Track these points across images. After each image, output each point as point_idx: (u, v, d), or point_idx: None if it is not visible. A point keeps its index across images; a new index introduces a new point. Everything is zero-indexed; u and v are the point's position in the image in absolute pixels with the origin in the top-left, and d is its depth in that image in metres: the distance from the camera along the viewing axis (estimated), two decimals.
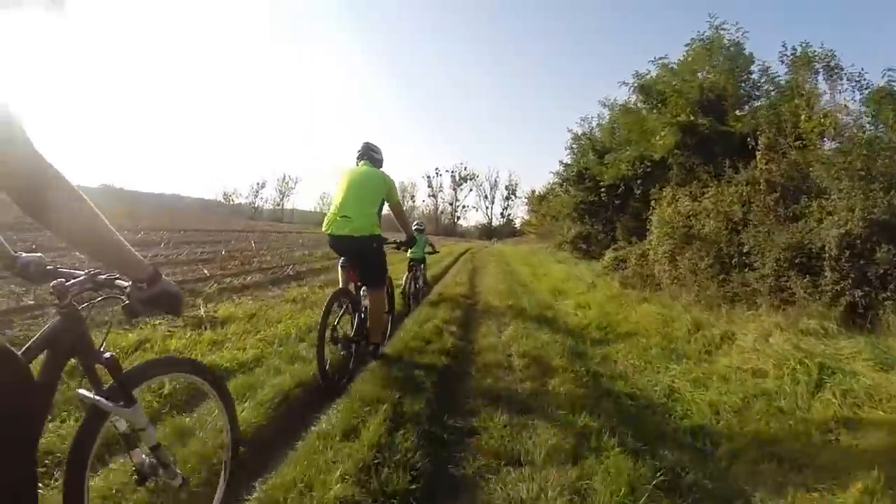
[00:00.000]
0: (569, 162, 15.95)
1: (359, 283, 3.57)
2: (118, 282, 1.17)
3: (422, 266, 7.09)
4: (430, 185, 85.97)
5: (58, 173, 0.87)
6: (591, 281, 8.68)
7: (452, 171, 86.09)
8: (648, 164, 9.29)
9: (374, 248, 3.38)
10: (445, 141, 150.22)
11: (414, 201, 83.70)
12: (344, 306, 3.35)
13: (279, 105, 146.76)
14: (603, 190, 11.43)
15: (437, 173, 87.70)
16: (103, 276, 1.20)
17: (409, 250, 5.48)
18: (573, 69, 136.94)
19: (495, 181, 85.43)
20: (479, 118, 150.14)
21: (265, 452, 2.20)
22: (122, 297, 1.12)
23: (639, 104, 10.27)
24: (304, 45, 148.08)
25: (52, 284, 1.14)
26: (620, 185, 10.29)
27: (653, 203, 9.32)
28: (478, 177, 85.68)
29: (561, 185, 15.63)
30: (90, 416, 1.26)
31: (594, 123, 15.91)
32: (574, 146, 15.96)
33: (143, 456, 1.37)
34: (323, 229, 3.44)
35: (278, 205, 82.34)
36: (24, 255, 1.25)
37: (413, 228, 5.13)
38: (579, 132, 15.59)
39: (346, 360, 3.36)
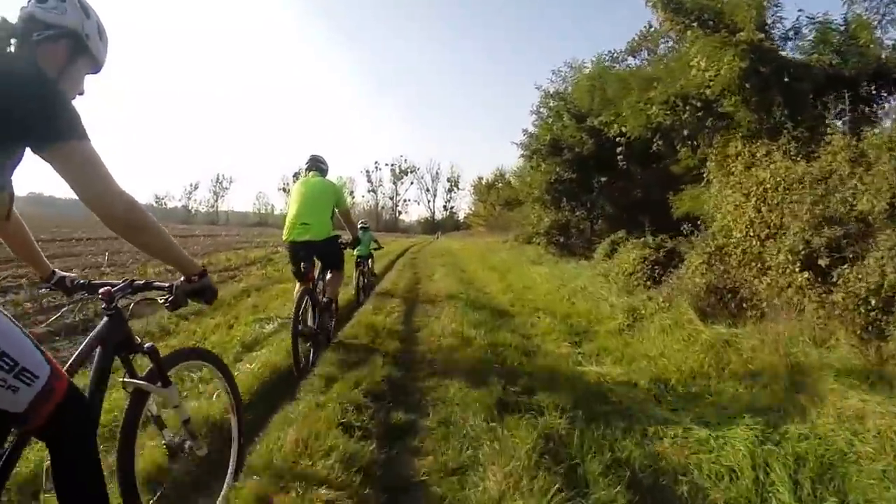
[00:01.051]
0: (535, 130, 12.36)
1: (317, 281, 3.89)
2: (156, 284, 1.44)
3: (368, 262, 7.37)
4: (369, 180, 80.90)
5: (140, 207, 1.14)
6: (628, 306, 4.95)
7: (392, 165, 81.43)
8: (698, 104, 5.71)
9: (332, 246, 3.84)
10: (383, 132, 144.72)
11: (353, 197, 78.18)
12: (306, 303, 3.59)
13: (209, 100, 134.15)
14: (619, 150, 7.72)
15: (376, 167, 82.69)
16: (140, 282, 1.47)
17: (356, 249, 5.60)
18: (514, 55, 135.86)
19: (437, 173, 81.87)
20: (418, 106, 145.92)
21: None
22: (159, 297, 1.40)
23: (664, 23, 6.70)
24: (235, 32, 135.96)
25: (100, 291, 1.37)
26: (655, 140, 6.60)
27: (710, 166, 5.86)
28: (418, 169, 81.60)
29: (530, 159, 11.89)
30: (135, 397, 1.45)
31: (568, 82, 12.43)
32: (543, 109, 12.40)
33: (171, 435, 1.57)
34: (283, 238, 3.77)
35: (212, 207, 78.20)
36: (59, 271, 1.53)
37: (358, 227, 5.61)
38: (551, 90, 12.02)
39: (309, 350, 3.65)
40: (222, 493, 1.77)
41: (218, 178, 78.54)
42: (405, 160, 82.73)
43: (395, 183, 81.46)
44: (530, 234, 13.20)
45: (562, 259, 10.73)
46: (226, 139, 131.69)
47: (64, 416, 1.06)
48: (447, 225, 72.18)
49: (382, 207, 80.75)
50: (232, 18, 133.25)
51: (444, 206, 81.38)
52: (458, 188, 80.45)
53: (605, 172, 11.40)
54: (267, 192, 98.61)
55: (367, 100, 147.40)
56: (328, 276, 3.97)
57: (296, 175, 73.78)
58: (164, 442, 1.56)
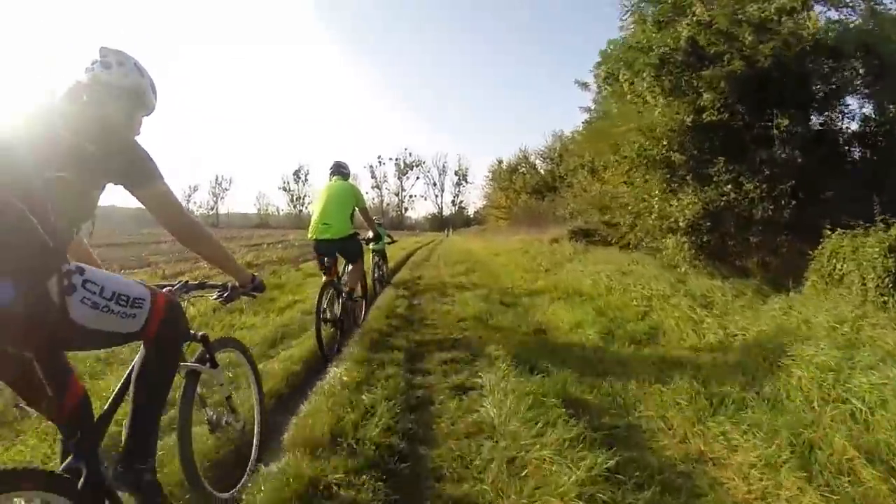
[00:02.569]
0: (638, 35, 6.74)
1: (339, 276, 4.38)
2: (209, 283, 1.81)
3: (383, 256, 8.25)
4: (373, 176, 75.52)
5: (202, 225, 1.52)
6: None
7: (396, 159, 75.86)
8: None
9: (351, 242, 4.29)
10: (385, 125, 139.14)
11: None
12: (330, 294, 4.09)
13: (205, 100, 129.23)
14: None
15: (379, 162, 77.22)
16: (194, 283, 1.80)
17: (372, 244, 6.27)
18: (519, 45, 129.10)
19: (444, 166, 76.20)
20: (421, 98, 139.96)
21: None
22: (212, 294, 1.73)
23: None
24: (229, 31, 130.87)
25: (163, 291, 1.57)
26: None
27: None
28: (424, 163, 75.91)
29: (657, 79, 5.92)
30: (190, 377, 1.74)
31: None
32: (644, 3, 6.76)
33: (211, 412, 1.89)
34: (309, 236, 4.19)
35: (212, 209, 73.03)
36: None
37: None
38: None
39: (333, 336, 4.11)
40: (248, 466, 2.02)
41: (217, 180, 73.67)
42: (409, 154, 76.97)
43: (399, 178, 76.08)
44: (651, 230, 6.88)
45: (722, 282, 5.19)
46: (223, 139, 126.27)
47: (167, 321, 1.41)
48: (457, 221, 66.76)
49: (388, 204, 75.39)
50: (226, 18, 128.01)
51: (453, 201, 75.86)
52: (467, 181, 74.86)
53: (788, 108, 5.82)
54: (267, 192, 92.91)
55: (369, 93, 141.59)
56: (349, 268, 4.48)
57: (296, 173, 69.68)
58: (205, 418, 1.87)
